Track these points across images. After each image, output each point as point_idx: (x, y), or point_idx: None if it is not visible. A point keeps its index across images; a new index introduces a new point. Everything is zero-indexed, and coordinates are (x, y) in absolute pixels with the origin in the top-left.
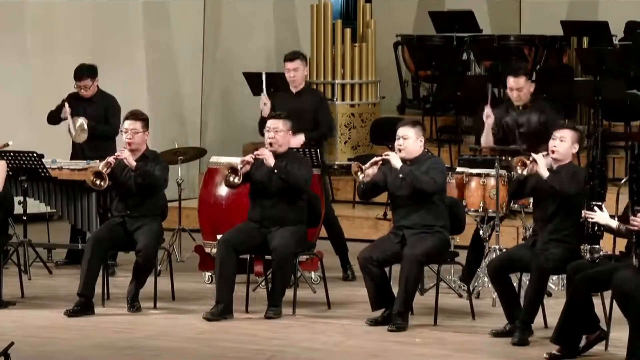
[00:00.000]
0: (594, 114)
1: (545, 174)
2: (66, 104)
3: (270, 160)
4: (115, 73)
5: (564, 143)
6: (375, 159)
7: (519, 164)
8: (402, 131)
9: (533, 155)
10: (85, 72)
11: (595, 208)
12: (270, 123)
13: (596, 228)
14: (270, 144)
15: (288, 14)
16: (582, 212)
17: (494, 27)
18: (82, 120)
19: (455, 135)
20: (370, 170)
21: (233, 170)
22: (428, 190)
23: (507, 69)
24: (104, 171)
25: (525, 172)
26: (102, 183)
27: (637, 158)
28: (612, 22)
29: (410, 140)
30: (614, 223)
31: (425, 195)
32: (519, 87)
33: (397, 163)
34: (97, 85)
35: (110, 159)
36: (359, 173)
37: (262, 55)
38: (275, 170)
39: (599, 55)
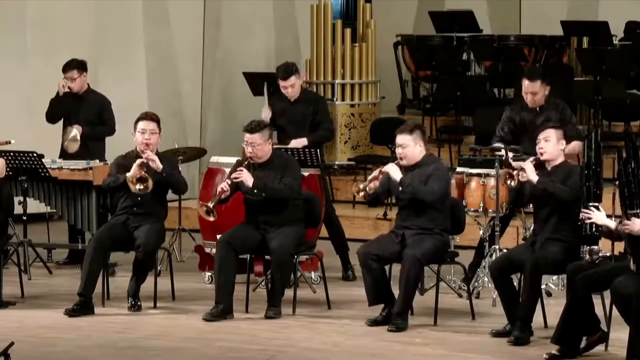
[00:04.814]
0: (594, 114)
1: (534, 178)
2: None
3: (249, 182)
4: (115, 73)
5: (548, 143)
6: (374, 174)
7: (506, 176)
8: (400, 139)
9: (520, 163)
10: (74, 64)
11: (592, 209)
12: (248, 138)
13: (594, 229)
14: (251, 158)
15: (288, 14)
16: (580, 213)
17: (494, 27)
18: (75, 131)
19: (455, 135)
20: (372, 185)
21: (208, 211)
22: (428, 200)
23: (524, 71)
24: (142, 174)
25: (514, 184)
26: (147, 185)
27: (626, 163)
28: (612, 22)
29: (409, 148)
30: (612, 223)
31: (426, 203)
32: (534, 91)
33: (396, 176)
34: (88, 84)
35: (142, 159)
36: (361, 193)
37: (262, 55)
38: (255, 191)
39: (599, 55)
